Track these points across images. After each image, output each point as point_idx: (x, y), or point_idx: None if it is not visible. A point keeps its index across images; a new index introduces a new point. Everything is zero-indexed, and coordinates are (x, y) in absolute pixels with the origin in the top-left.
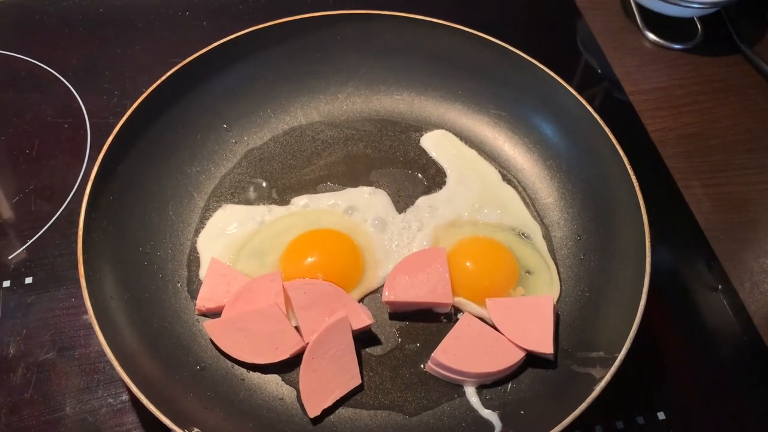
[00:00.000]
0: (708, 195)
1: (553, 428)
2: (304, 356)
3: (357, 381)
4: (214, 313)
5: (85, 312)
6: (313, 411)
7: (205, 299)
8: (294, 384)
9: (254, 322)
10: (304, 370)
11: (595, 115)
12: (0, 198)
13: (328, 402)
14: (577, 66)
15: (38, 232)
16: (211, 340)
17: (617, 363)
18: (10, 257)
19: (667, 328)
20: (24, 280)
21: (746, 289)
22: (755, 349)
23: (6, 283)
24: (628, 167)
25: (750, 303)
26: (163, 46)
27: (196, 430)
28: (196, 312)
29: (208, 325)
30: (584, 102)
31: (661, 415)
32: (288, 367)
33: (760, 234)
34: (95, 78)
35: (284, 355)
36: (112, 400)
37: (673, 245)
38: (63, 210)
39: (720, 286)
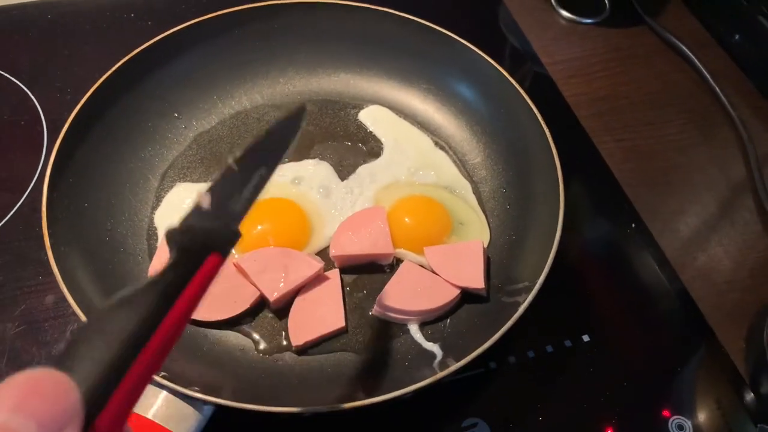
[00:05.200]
0: (620, 148)
1: (481, 346)
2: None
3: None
4: None
5: (51, 289)
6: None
7: (156, 268)
8: (249, 336)
9: None
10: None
11: (508, 77)
12: None
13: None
14: (504, 47)
15: (2, 221)
16: None
17: (537, 287)
18: None
19: (587, 263)
20: None
21: (657, 228)
22: (669, 275)
23: None
24: (539, 116)
25: (661, 240)
26: (111, 46)
27: (163, 373)
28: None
29: None
30: (498, 66)
31: (585, 338)
32: (245, 320)
33: (668, 179)
34: (48, 79)
35: (244, 307)
36: None
37: (592, 193)
38: (25, 198)
39: (634, 225)
